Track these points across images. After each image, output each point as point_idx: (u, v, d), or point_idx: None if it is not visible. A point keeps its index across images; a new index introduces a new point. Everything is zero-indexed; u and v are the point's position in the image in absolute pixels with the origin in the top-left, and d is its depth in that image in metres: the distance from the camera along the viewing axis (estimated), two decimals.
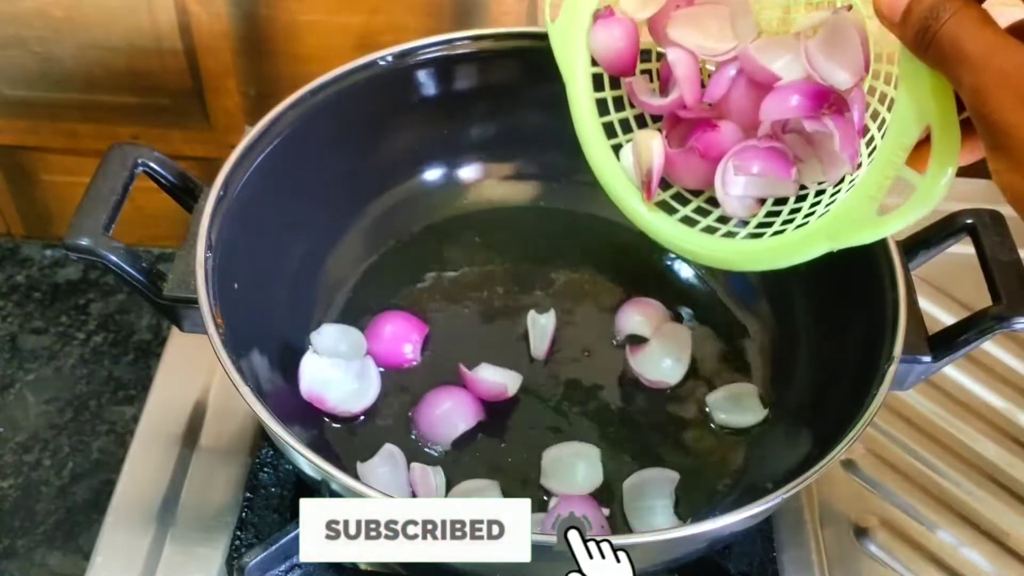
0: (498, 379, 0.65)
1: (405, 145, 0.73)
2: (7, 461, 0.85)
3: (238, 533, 0.63)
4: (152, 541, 0.63)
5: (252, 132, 0.62)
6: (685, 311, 0.72)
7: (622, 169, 0.59)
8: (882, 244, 0.60)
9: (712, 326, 0.71)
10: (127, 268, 0.57)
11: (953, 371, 0.74)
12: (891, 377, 0.54)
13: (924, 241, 0.63)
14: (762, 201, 0.56)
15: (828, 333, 0.65)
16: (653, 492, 0.61)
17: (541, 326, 0.69)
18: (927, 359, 0.58)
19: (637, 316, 0.70)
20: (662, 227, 0.58)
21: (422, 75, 0.70)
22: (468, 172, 0.76)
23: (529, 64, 0.70)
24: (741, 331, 0.71)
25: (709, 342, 0.70)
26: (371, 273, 0.73)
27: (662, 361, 0.68)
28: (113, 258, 0.56)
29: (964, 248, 0.62)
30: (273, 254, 0.66)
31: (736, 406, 0.66)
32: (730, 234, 0.56)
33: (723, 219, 0.57)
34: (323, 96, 0.65)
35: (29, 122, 0.91)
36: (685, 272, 0.74)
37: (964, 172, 0.67)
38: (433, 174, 0.76)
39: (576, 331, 0.71)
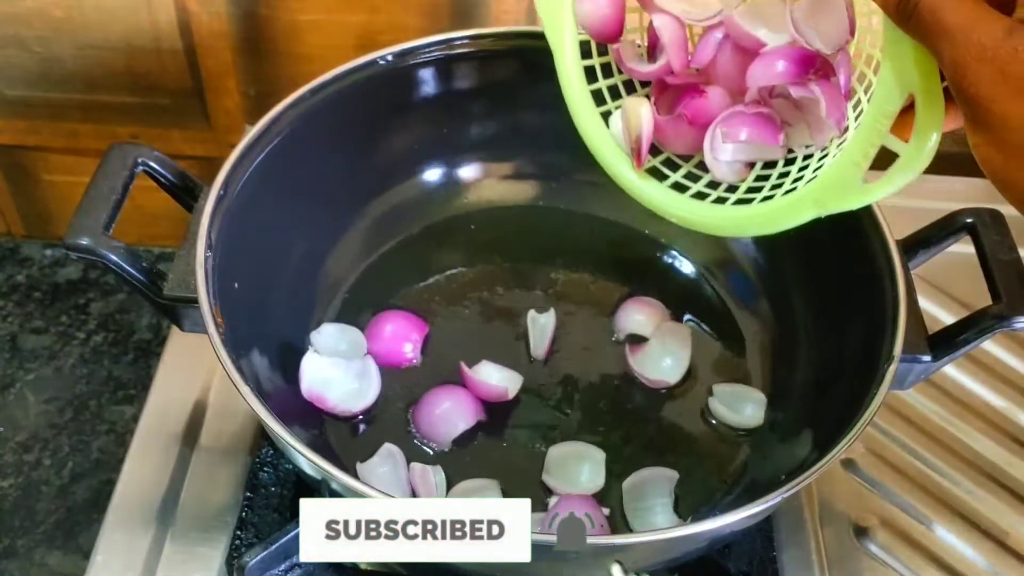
0: (498, 381, 0.65)
1: (405, 145, 0.73)
2: (7, 461, 0.85)
3: (238, 532, 0.63)
4: (152, 541, 0.63)
5: (252, 132, 0.62)
6: (685, 310, 0.72)
7: (612, 136, 0.59)
8: (882, 243, 0.60)
9: (712, 325, 0.71)
10: (127, 267, 0.57)
11: (953, 370, 0.74)
12: (891, 376, 0.54)
13: (924, 240, 0.63)
14: (751, 165, 0.56)
15: (828, 332, 0.65)
16: (653, 491, 0.61)
17: (541, 326, 0.69)
18: (927, 358, 0.58)
19: (637, 315, 0.70)
20: (653, 194, 0.58)
21: (422, 75, 0.70)
22: (468, 172, 0.76)
23: (529, 63, 0.70)
24: (741, 331, 0.71)
25: (709, 341, 0.70)
26: (371, 273, 0.73)
27: (662, 360, 0.68)
28: (113, 257, 0.56)
29: (964, 247, 0.61)
30: (273, 254, 0.66)
31: (736, 405, 0.66)
32: (720, 200, 0.56)
33: (713, 184, 0.57)
34: (323, 96, 0.65)
35: (29, 122, 0.91)
36: (685, 271, 0.74)
37: (963, 171, 0.67)
38: (433, 174, 0.76)
39: (576, 331, 0.71)
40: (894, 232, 0.60)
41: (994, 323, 0.57)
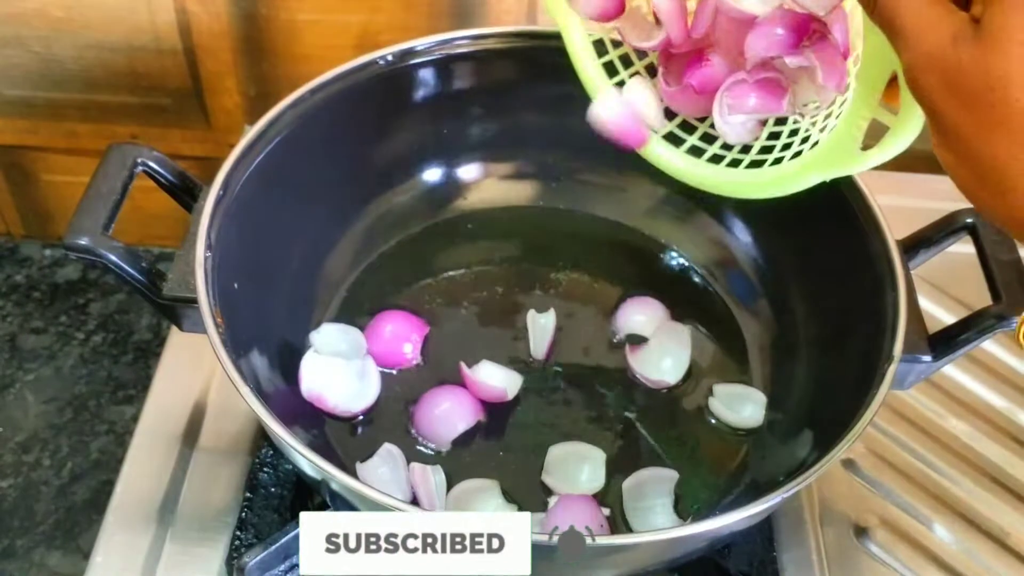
0: (497, 381, 0.65)
1: (405, 145, 0.73)
2: (7, 461, 0.85)
3: (238, 533, 0.63)
4: (152, 541, 0.62)
5: (251, 132, 0.62)
6: (685, 310, 0.72)
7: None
8: (882, 243, 0.60)
9: (712, 325, 0.71)
10: (127, 268, 0.57)
11: (953, 370, 0.74)
12: (891, 376, 0.54)
13: (924, 240, 0.63)
14: (764, 122, 0.57)
15: (828, 332, 0.65)
16: (653, 492, 0.61)
17: (541, 326, 0.69)
18: (927, 358, 0.58)
19: (637, 315, 0.70)
20: (671, 159, 0.59)
21: (422, 74, 0.70)
22: (468, 172, 0.76)
23: (529, 64, 0.70)
24: (741, 331, 0.71)
25: (709, 342, 0.70)
26: (371, 273, 0.73)
27: (662, 361, 0.68)
28: (113, 257, 0.56)
29: (964, 247, 0.61)
30: (273, 254, 0.66)
31: (736, 406, 0.66)
32: (735, 162, 0.57)
33: (727, 146, 0.58)
34: (323, 96, 0.65)
35: (29, 122, 0.91)
36: (685, 271, 0.74)
37: None
38: (433, 174, 0.76)
39: (576, 331, 0.70)
40: (894, 232, 0.60)
41: (994, 323, 0.57)
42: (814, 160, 0.51)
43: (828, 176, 0.50)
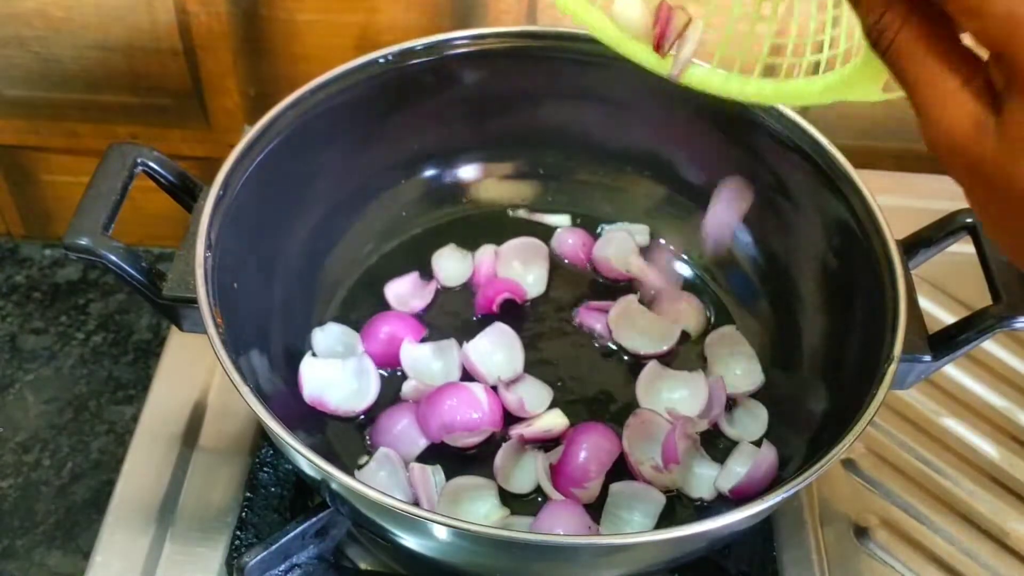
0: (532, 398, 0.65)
1: (405, 145, 0.73)
2: (7, 461, 0.85)
3: (238, 533, 0.63)
4: (152, 541, 0.62)
5: (251, 132, 0.62)
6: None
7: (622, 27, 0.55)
8: (882, 243, 0.60)
9: (712, 326, 0.71)
10: (127, 268, 0.57)
11: (953, 370, 0.74)
12: (891, 376, 0.54)
13: (924, 240, 0.62)
14: None
15: (828, 332, 0.65)
16: (636, 507, 0.61)
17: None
18: (927, 358, 0.58)
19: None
20: (707, 76, 0.54)
21: (422, 74, 0.70)
22: (468, 172, 0.76)
23: (529, 63, 0.70)
24: (741, 330, 0.71)
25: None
26: (370, 273, 0.73)
27: (735, 370, 0.67)
28: (113, 258, 0.56)
29: (964, 247, 0.61)
30: (272, 254, 0.66)
31: (741, 415, 0.66)
32: (769, 72, 0.51)
33: None
34: (322, 96, 0.65)
35: (29, 122, 0.91)
36: (685, 271, 0.74)
37: None
38: (433, 174, 0.76)
39: (576, 330, 0.70)
40: (894, 232, 0.60)
41: (994, 323, 0.57)
42: (833, 82, 0.46)
43: (848, 98, 0.45)
